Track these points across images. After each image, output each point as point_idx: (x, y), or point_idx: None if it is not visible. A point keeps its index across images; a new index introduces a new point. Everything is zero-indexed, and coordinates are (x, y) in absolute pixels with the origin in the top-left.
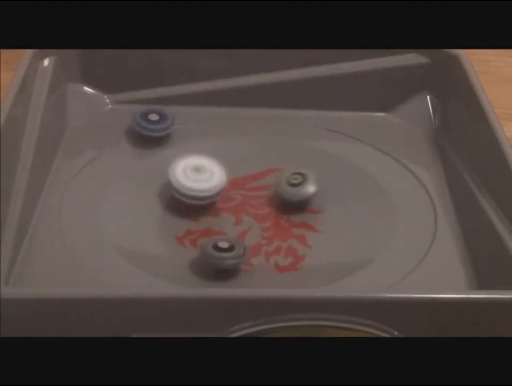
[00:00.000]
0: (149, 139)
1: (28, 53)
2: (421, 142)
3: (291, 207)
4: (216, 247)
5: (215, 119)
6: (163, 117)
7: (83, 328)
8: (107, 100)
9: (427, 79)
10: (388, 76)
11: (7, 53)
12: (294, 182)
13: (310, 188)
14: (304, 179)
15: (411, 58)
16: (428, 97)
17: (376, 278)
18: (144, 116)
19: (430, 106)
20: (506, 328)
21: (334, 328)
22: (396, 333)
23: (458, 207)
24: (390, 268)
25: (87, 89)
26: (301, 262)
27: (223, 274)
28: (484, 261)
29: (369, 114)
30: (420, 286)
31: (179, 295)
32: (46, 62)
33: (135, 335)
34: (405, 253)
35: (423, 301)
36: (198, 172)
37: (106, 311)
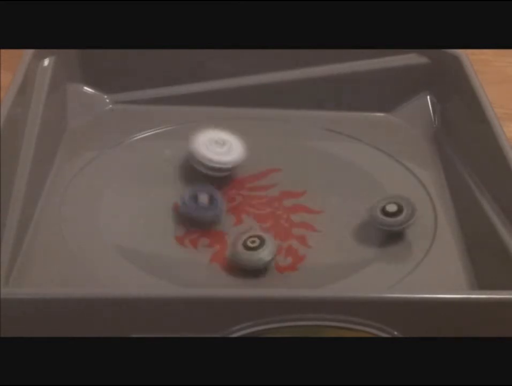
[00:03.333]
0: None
1: (28, 53)
2: (421, 142)
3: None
4: None
5: (215, 119)
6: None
7: (83, 328)
8: (107, 100)
9: (427, 79)
10: (388, 76)
11: (7, 53)
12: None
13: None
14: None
15: (411, 58)
16: (428, 97)
17: (376, 278)
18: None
19: (430, 106)
20: (506, 328)
21: (334, 328)
22: (395, 333)
23: (458, 207)
24: (390, 268)
25: (87, 89)
26: (301, 262)
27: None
28: (484, 261)
29: (369, 115)
30: (420, 286)
31: (179, 295)
32: (46, 62)
33: (135, 335)
34: (405, 253)
35: (423, 301)
36: (219, 146)
37: (106, 311)
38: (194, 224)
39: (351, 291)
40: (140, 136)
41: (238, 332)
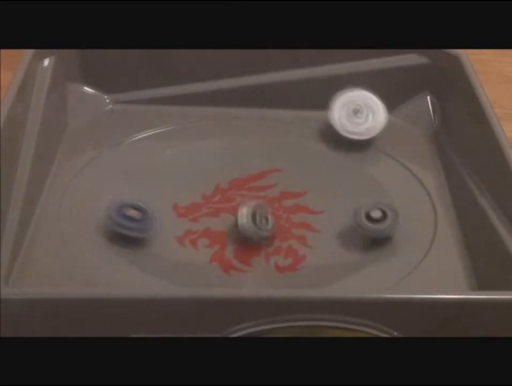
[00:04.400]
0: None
1: (28, 53)
2: (421, 142)
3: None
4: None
5: (215, 119)
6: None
7: (83, 328)
8: (107, 100)
9: (427, 79)
10: (388, 76)
11: (7, 53)
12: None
13: None
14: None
15: (411, 58)
16: (428, 97)
17: (376, 278)
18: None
19: (430, 107)
20: (506, 328)
21: (334, 328)
22: (395, 333)
23: (458, 207)
24: (390, 269)
25: (87, 89)
26: (301, 262)
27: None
28: (484, 261)
29: None
30: (420, 286)
31: (179, 295)
32: (46, 62)
33: (135, 335)
34: (405, 253)
35: (423, 301)
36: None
37: (106, 311)
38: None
39: (350, 291)
40: (140, 136)
41: (238, 332)
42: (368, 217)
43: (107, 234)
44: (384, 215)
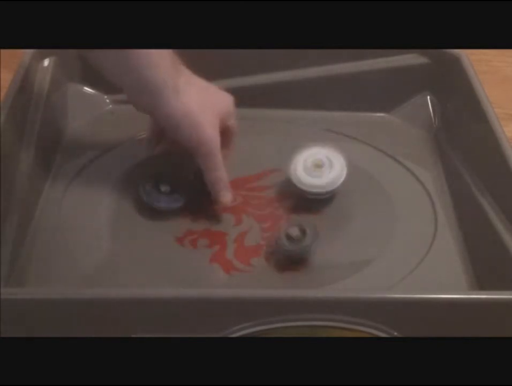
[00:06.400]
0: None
1: (28, 53)
2: (421, 142)
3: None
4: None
5: None
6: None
7: (83, 328)
8: (107, 100)
9: (427, 79)
10: (388, 76)
11: (7, 53)
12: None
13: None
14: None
15: (411, 58)
16: (428, 97)
17: (376, 278)
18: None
19: (430, 106)
20: (506, 328)
21: (334, 328)
22: (395, 333)
23: (458, 207)
24: (390, 268)
25: (87, 89)
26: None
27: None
28: (484, 261)
29: (369, 115)
30: (420, 286)
31: (179, 295)
32: (46, 62)
33: (135, 335)
34: (405, 253)
35: (423, 301)
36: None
37: (106, 311)
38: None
39: (351, 291)
40: (140, 136)
41: (238, 332)
42: (288, 236)
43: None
44: (304, 233)
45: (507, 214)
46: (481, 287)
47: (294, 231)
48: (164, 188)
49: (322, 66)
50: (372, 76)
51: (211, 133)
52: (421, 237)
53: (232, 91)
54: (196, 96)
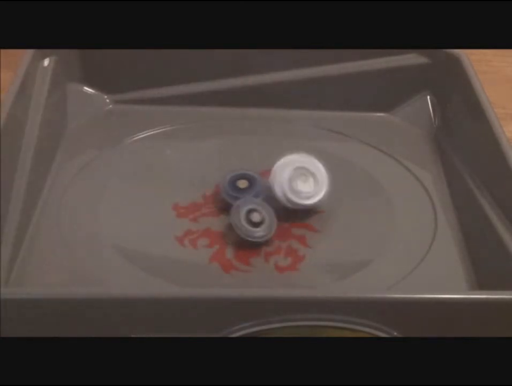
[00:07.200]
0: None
1: (28, 53)
2: (421, 142)
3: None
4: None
5: (215, 119)
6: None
7: (83, 328)
8: (107, 100)
9: (427, 79)
10: (388, 76)
11: (7, 53)
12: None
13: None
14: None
15: (411, 58)
16: (428, 97)
17: (376, 278)
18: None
19: (430, 106)
20: (506, 328)
21: (334, 328)
22: (395, 333)
23: (458, 207)
24: (390, 268)
25: (87, 89)
26: (301, 262)
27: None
28: (484, 261)
29: (369, 115)
30: (420, 286)
31: (179, 295)
32: (46, 62)
33: (135, 335)
34: (405, 253)
35: (423, 301)
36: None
37: (106, 311)
38: None
39: (351, 291)
40: (140, 136)
41: (238, 332)
42: (248, 219)
43: None
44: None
45: (507, 214)
46: (481, 287)
47: (255, 217)
48: None
49: (321, 66)
50: (372, 76)
51: None
52: (421, 237)
53: (232, 91)
54: None
